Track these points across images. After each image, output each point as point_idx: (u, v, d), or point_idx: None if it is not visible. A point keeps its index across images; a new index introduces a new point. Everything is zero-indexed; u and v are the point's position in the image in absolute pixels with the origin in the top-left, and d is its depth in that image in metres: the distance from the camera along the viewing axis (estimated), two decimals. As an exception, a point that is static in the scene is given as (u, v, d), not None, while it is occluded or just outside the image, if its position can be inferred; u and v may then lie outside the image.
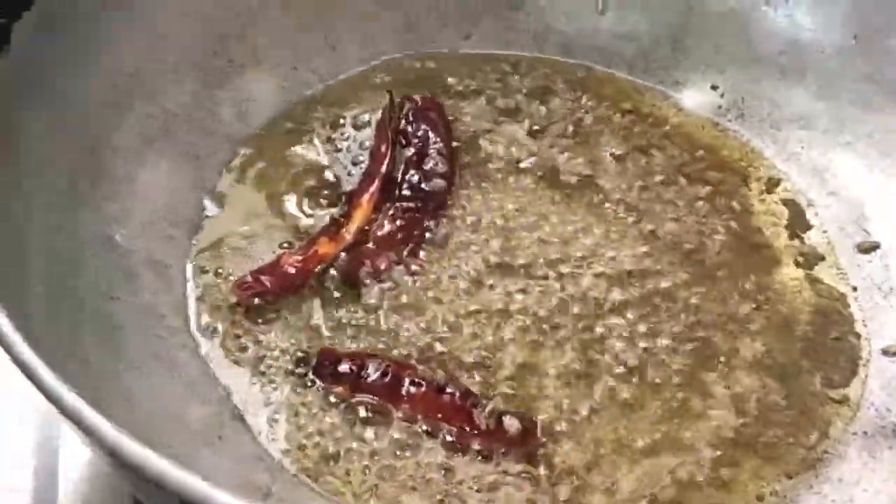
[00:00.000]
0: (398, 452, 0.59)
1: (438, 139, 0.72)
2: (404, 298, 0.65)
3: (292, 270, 0.64)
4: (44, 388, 0.44)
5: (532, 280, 0.67)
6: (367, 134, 0.73)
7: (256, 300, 0.64)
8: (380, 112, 0.73)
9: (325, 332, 0.63)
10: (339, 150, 0.73)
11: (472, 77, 0.79)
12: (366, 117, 0.75)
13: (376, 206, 0.68)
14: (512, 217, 0.70)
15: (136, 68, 0.68)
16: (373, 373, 0.60)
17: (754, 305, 0.68)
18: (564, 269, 0.68)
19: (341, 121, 0.75)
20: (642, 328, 0.65)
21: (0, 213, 0.55)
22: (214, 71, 0.73)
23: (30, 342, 0.45)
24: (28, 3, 0.59)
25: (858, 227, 0.72)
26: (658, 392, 0.63)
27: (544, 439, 0.60)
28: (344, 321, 0.64)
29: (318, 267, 0.65)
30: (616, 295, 0.67)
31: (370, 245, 0.67)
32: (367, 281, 0.65)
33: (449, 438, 0.59)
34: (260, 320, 0.64)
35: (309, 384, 0.61)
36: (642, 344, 0.65)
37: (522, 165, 0.73)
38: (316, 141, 0.73)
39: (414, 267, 0.66)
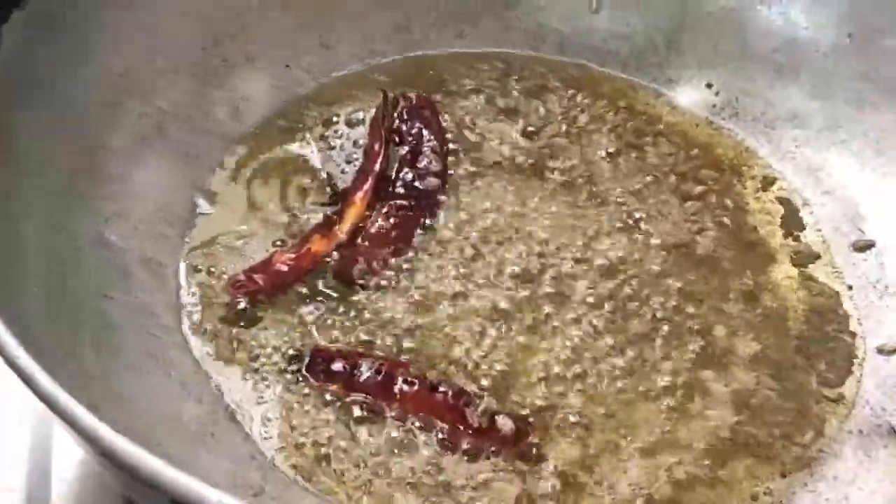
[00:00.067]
0: (391, 451, 0.58)
1: (432, 137, 0.71)
2: (397, 297, 0.65)
3: (285, 269, 0.64)
4: (37, 389, 0.44)
5: (525, 279, 0.67)
6: (361, 132, 0.73)
7: (249, 299, 0.64)
8: (373, 110, 0.73)
9: (318, 331, 0.63)
10: (333, 149, 0.73)
11: (467, 75, 0.79)
12: (359, 115, 0.74)
13: (370, 205, 0.68)
14: (505, 215, 0.70)
15: (131, 68, 0.68)
16: (366, 371, 0.60)
17: (749, 304, 0.68)
18: (557, 267, 0.67)
19: (335, 119, 0.74)
20: (637, 326, 0.65)
21: (-4, 213, 0.55)
22: (208, 70, 0.73)
23: (24, 343, 0.45)
24: (18, 2, 0.59)
25: (853, 226, 0.72)
26: (653, 390, 0.63)
27: (538, 438, 0.60)
28: (337, 320, 0.64)
29: (312, 265, 0.65)
30: (609, 293, 0.67)
31: (364, 243, 0.66)
32: (361, 279, 0.65)
33: (442, 437, 0.59)
34: (253, 319, 0.63)
35: (302, 383, 0.61)
36: (637, 343, 0.65)
37: (516, 163, 0.73)
38: (310, 139, 0.73)
39: (407, 265, 0.66)
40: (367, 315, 0.64)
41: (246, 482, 0.56)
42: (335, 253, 0.66)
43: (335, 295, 0.65)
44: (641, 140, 0.76)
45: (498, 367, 0.62)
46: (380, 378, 0.60)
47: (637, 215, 0.71)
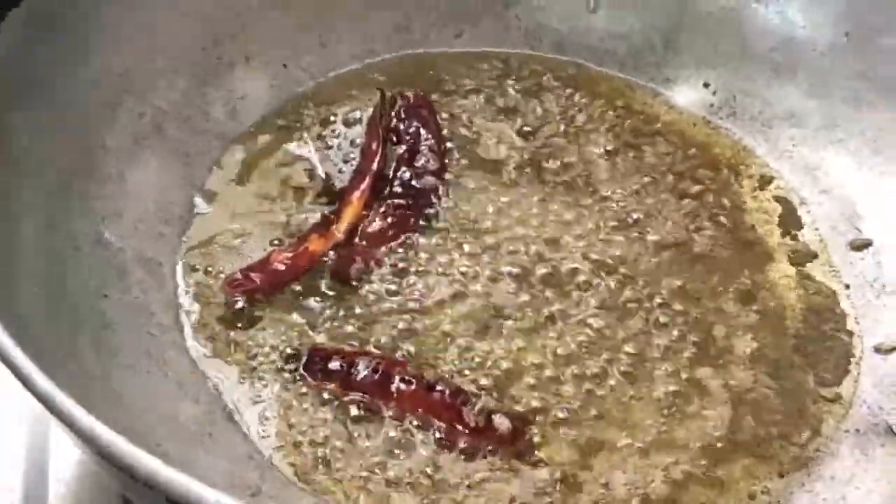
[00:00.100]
0: (389, 450, 0.58)
1: (430, 136, 0.71)
2: (394, 296, 0.65)
3: (282, 268, 0.64)
4: (34, 389, 0.44)
5: (522, 278, 0.67)
6: (358, 131, 0.73)
7: (247, 298, 0.64)
8: (371, 110, 0.73)
9: (316, 330, 0.63)
10: (330, 148, 0.73)
11: (465, 75, 0.79)
12: (357, 115, 0.74)
13: (367, 204, 0.68)
14: (503, 214, 0.70)
15: (129, 67, 0.68)
16: (363, 370, 0.60)
17: (746, 303, 0.68)
18: (555, 266, 0.67)
19: (332, 118, 0.74)
20: (635, 325, 0.65)
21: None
22: (207, 69, 0.73)
23: (21, 342, 0.45)
24: (17, 2, 0.59)
25: (851, 225, 0.72)
26: (651, 389, 0.63)
27: (535, 437, 0.60)
28: (334, 319, 0.64)
29: (309, 264, 0.65)
30: (607, 292, 0.67)
31: (361, 242, 0.66)
32: (358, 278, 0.65)
33: (439, 436, 0.59)
34: (250, 318, 0.63)
35: (299, 382, 0.61)
36: (634, 341, 0.65)
37: (514, 162, 0.73)
38: (307, 138, 0.73)
39: (404, 264, 0.66)
40: (364, 314, 0.64)
41: (243, 482, 0.56)
42: (332, 252, 0.66)
43: (332, 294, 0.65)
44: (639, 139, 0.76)
45: (495, 366, 0.62)
46: (377, 377, 0.60)
47: (635, 215, 0.71)
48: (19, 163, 0.58)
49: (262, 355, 0.62)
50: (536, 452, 0.59)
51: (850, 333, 0.67)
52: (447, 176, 0.71)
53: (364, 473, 0.58)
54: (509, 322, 0.64)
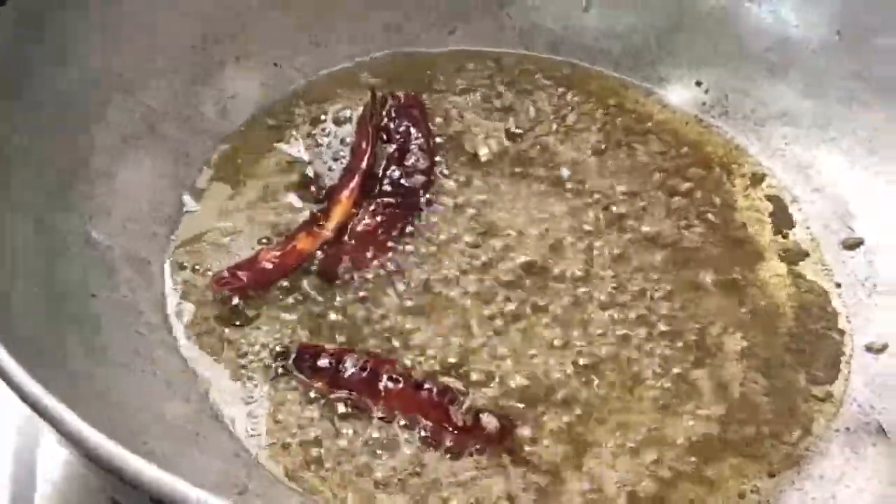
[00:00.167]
0: (375, 449, 0.58)
1: (420, 135, 0.71)
2: (383, 295, 0.65)
3: (269, 266, 0.64)
4: (20, 391, 0.44)
5: (510, 275, 0.66)
6: (349, 130, 0.73)
7: (235, 296, 0.63)
8: (361, 108, 0.73)
9: (304, 329, 0.63)
10: (321, 146, 0.73)
11: (457, 74, 0.79)
12: (347, 113, 0.74)
13: (356, 202, 0.68)
14: (493, 212, 0.70)
15: (118, 66, 0.68)
16: (351, 367, 0.60)
17: (738, 302, 0.67)
18: (543, 263, 0.67)
19: (322, 117, 0.74)
20: (624, 323, 0.65)
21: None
22: (197, 68, 0.73)
23: (7, 344, 0.45)
24: (2, 1, 0.59)
25: (843, 224, 0.72)
26: (641, 388, 0.62)
27: (525, 435, 0.59)
28: (323, 317, 0.63)
29: (297, 263, 0.65)
30: (597, 289, 0.66)
31: (350, 241, 0.66)
32: (346, 277, 0.65)
33: (424, 434, 0.59)
34: (239, 317, 0.63)
35: (288, 380, 0.61)
36: (624, 340, 0.64)
37: (505, 161, 0.73)
38: (297, 137, 0.73)
39: (392, 264, 0.66)
40: (352, 313, 0.64)
41: (231, 480, 0.56)
42: (322, 250, 0.66)
43: (321, 293, 0.64)
44: (631, 138, 0.76)
45: (484, 364, 0.62)
46: (365, 374, 0.59)
47: (626, 213, 0.71)
48: (10, 162, 0.58)
49: (252, 353, 0.62)
50: (526, 450, 0.59)
51: (842, 332, 0.67)
52: (437, 175, 0.71)
53: (351, 472, 0.58)
54: (499, 320, 0.64)
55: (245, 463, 0.58)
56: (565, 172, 0.73)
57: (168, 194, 0.68)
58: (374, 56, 0.79)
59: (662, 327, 0.65)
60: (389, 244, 0.67)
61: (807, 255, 0.71)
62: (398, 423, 0.59)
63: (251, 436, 0.59)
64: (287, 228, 0.67)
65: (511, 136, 0.75)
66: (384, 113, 0.72)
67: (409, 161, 0.70)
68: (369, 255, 0.66)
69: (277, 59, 0.76)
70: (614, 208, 0.71)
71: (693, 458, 0.60)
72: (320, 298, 0.64)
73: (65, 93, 0.64)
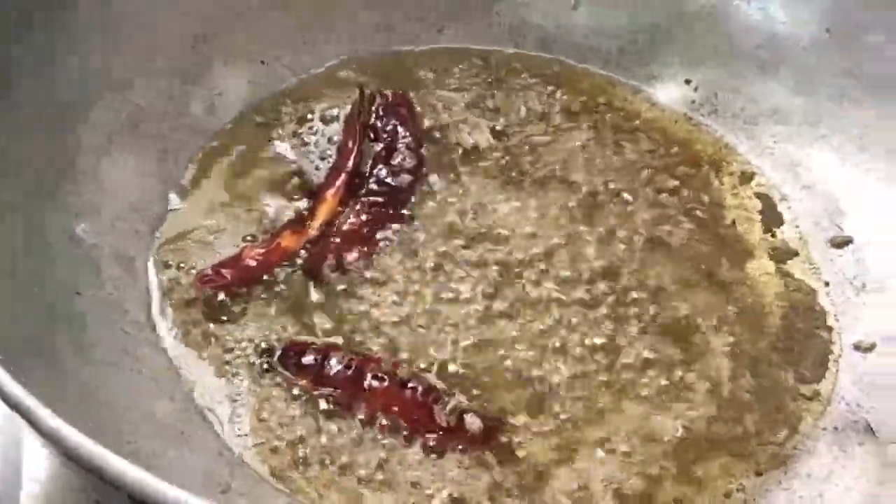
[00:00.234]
0: (360, 448, 0.58)
1: (408, 134, 0.71)
2: (367, 293, 0.65)
3: (253, 263, 0.64)
4: (0, 390, 0.44)
5: (497, 274, 0.66)
6: (336, 129, 0.73)
7: (219, 293, 0.63)
8: (349, 107, 0.73)
9: (289, 327, 0.63)
10: (307, 145, 0.72)
11: (446, 71, 0.79)
12: (334, 112, 0.74)
13: (342, 201, 0.68)
14: (480, 210, 0.70)
15: (104, 64, 0.68)
16: (336, 365, 0.59)
17: (726, 300, 0.67)
18: (531, 262, 0.67)
19: (310, 115, 0.74)
20: (612, 323, 0.65)
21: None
22: (184, 66, 0.73)
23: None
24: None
25: (831, 222, 0.72)
26: (627, 386, 0.62)
27: (512, 433, 0.59)
28: (307, 315, 0.63)
29: (281, 260, 0.65)
30: (585, 288, 0.66)
31: (335, 240, 0.66)
32: (331, 275, 0.65)
33: (408, 433, 0.59)
34: (225, 314, 0.63)
35: (273, 378, 0.61)
36: (612, 338, 0.64)
37: (493, 159, 0.73)
38: (284, 135, 0.73)
39: (378, 262, 0.66)
40: (336, 312, 0.64)
41: (214, 479, 0.56)
42: (306, 248, 0.66)
43: (307, 291, 0.64)
44: (620, 136, 0.76)
45: (471, 363, 0.62)
46: (350, 373, 0.59)
47: (614, 210, 0.71)
48: (-6, 159, 0.58)
49: (238, 350, 0.62)
50: (512, 447, 0.59)
51: (830, 330, 0.67)
52: (424, 173, 0.71)
53: (335, 471, 0.57)
54: (486, 319, 0.64)
55: (228, 461, 0.57)
56: (554, 170, 0.73)
57: (155, 192, 0.68)
58: (363, 54, 0.78)
59: (650, 325, 0.65)
60: (375, 243, 0.67)
61: (795, 253, 0.71)
62: (382, 421, 0.59)
63: (236, 435, 0.59)
64: (272, 226, 0.67)
65: (499, 134, 0.75)
66: (372, 111, 0.72)
67: (396, 160, 0.70)
68: (355, 253, 0.66)
69: (266, 56, 0.76)
70: (603, 206, 0.71)
71: (680, 457, 0.60)
72: (306, 296, 0.64)
73: (51, 92, 0.64)
